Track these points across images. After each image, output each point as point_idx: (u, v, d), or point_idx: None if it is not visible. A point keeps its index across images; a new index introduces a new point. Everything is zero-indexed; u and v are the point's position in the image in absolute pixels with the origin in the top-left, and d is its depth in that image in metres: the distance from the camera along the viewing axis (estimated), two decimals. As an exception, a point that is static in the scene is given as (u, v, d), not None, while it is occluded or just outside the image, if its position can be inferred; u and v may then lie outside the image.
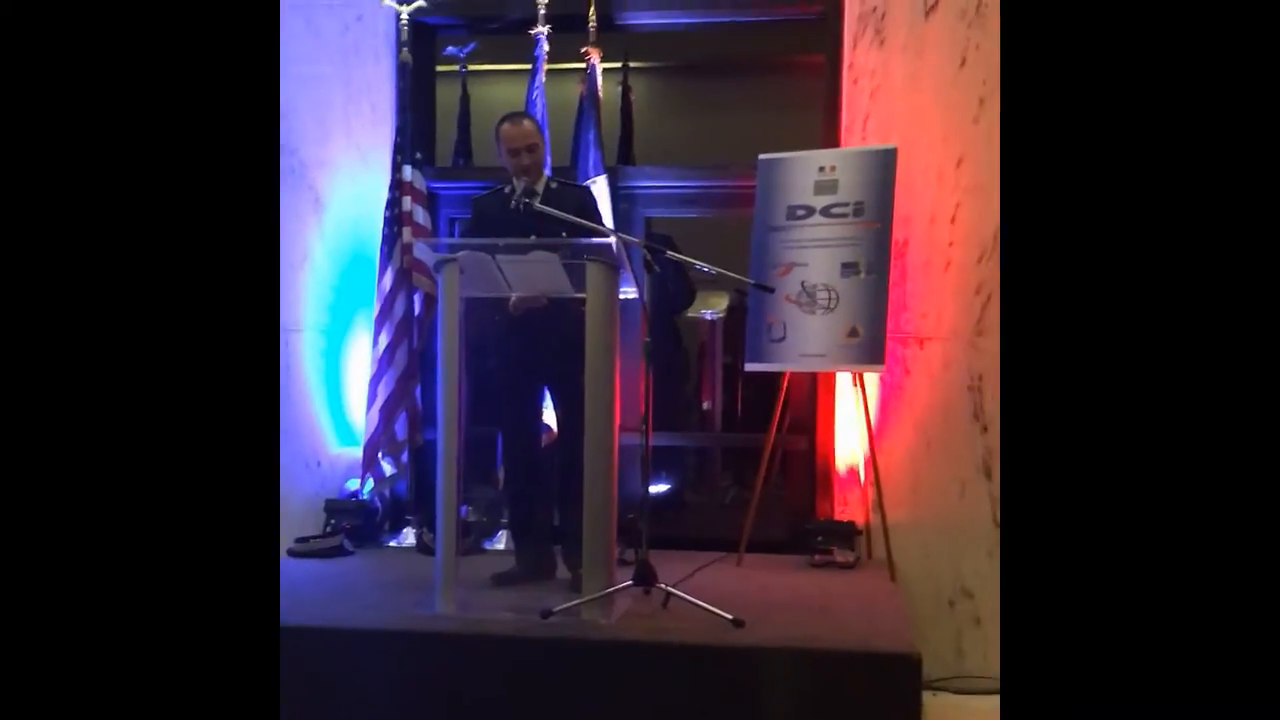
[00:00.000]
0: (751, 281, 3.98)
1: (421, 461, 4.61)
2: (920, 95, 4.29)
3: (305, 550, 4.28)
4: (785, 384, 4.18)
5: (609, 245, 3.36)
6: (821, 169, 4.14)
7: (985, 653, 4.03)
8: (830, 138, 4.49)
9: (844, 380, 4.35)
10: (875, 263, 4.03)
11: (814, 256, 4.11)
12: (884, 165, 4.06)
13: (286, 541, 4.35)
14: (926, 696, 3.32)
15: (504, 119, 3.71)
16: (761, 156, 4.25)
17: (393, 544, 4.53)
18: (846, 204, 4.09)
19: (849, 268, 4.06)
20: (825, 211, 4.11)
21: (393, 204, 4.57)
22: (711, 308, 7.00)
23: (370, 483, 4.52)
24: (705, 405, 7.01)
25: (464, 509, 3.82)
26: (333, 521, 4.47)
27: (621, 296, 3.39)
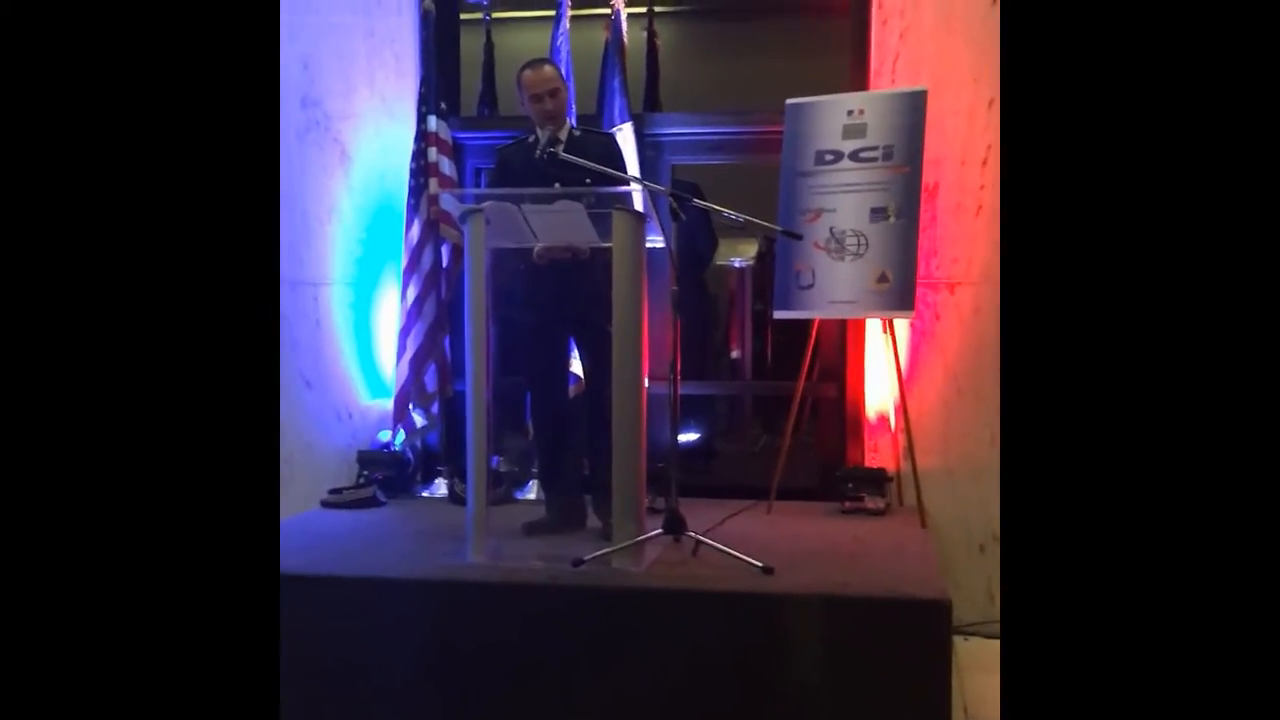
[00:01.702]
0: (779, 228, 3.93)
1: (452, 412, 4.64)
2: (951, 36, 4.21)
3: (338, 501, 4.32)
4: (815, 331, 4.16)
5: (634, 194, 3.33)
6: (850, 112, 4.08)
7: (1017, 598, 4.03)
8: (859, 80, 4.42)
9: (874, 327, 4.32)
10: (905, 207, 3.98)
11: (843, 202, 4.06)
12: (914, 108, 4.00)
13: (320, 493, 4.41)
14: (957, 641, 3.33)
15: (524, 66, 3.68)
16: (789, 101, 4.19)
17: (425, 494, 4.58)
18: (876, 148, 4.03)
19: (878, 213, 4.01)
20: (854, 156, 4.06)
21: (418, 155, 4.55)
22: (740, 255, 6.97)
23: (401, 434, 4.55)
24: (734, 354, 7.00)
25: (494, 459, 3.85)
26: (365, 473, 4.52)
27: (648, 245, 3.37)
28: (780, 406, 4.63)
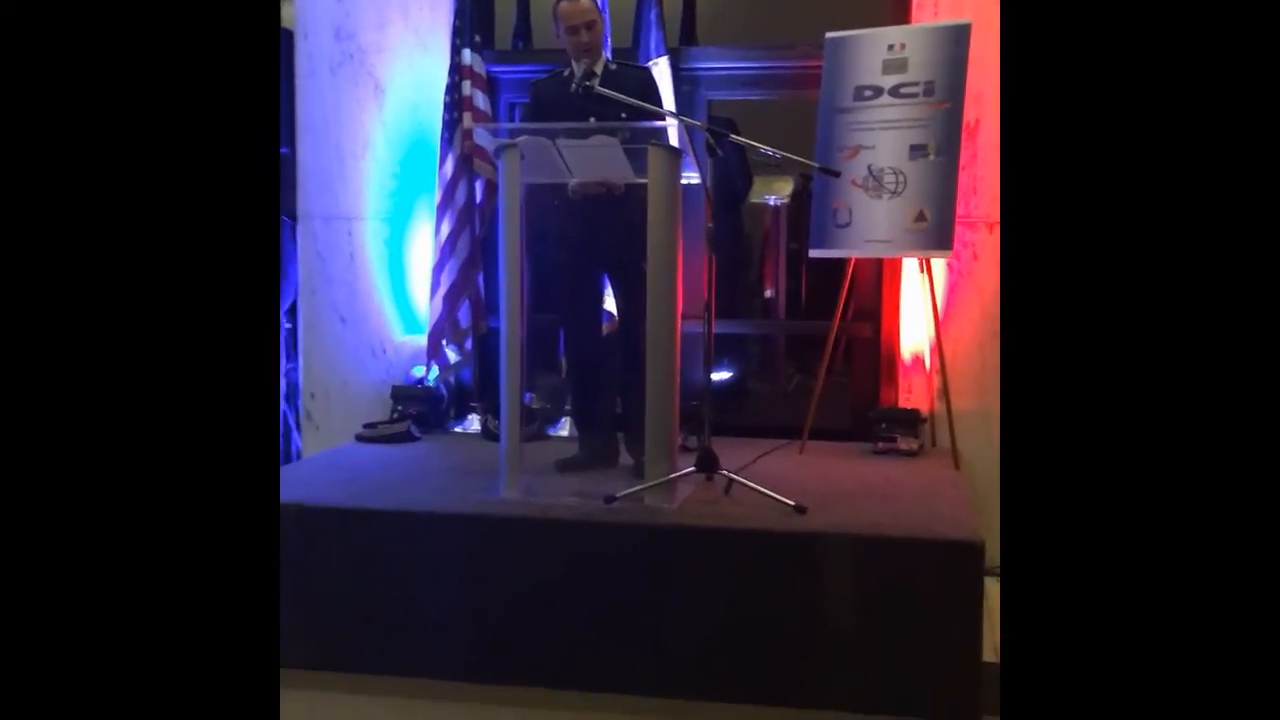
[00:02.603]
0: (817, 165, 3.88)
1: (485, 348, 4.65)
2: (996, -33, 4.10)
3: (373, 435, 4.36)
4: (850, 270, 4.12)
5: (670, 129, 3.29)
6: (891, 47, 4.00)
7: (1049, 540, 4.01)
8: (900, 14, 4.33)
9: (910, 266, 4.27)
10: (945, 144, 3.91)
11: (881, 139, 4.00)
12: (956, 42, 3.91)
13: (354, 427, 4.45)
14: (989, 582, 3.32)
15: (561, -2, 3.62)
16: (828, 35, 4.11)
17: (458, 430, 4.60)
18: (916, 84, 3.95)
19: (917, 150, 3.94)
20: (894, 92, 3.99)
21: (452, 89, 4.52)
22: (775, 193, 6.91)
23: (435, 370, 4.57)
24: (769, 293, 6.97)
25: (528, 396, 3.86)
26: (399, 408, 4.55)
27: (683, 182, 3.34)
28: (814, 346, 4.61)
